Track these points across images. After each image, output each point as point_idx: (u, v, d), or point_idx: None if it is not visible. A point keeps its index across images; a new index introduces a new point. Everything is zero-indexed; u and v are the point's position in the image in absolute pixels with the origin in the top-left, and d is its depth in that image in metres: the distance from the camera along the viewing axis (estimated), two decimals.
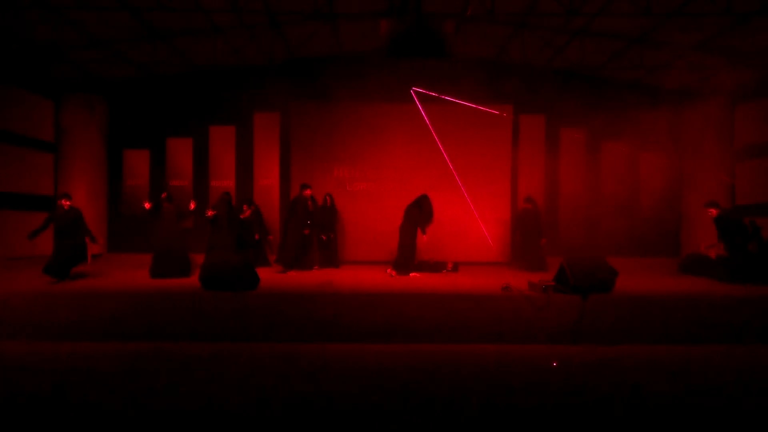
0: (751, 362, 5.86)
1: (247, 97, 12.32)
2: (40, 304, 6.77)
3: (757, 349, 6.36)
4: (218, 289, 7.03)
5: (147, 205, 8.94)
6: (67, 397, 4.50)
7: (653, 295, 7.04)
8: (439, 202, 11.59)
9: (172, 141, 12.54)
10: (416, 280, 8.81)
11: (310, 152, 12.45)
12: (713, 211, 9.17)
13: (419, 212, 9.45)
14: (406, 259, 9.37)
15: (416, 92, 11.89)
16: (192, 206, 9.33)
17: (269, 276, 8.74)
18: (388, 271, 9.48)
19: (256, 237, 10.34)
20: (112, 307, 6.76)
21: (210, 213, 9.39)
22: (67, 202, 8.24)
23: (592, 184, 12.42)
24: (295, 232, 9.84)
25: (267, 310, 6.78)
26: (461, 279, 9.00)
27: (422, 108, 12.02)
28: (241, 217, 10.25)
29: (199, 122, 12.47)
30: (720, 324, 6.72)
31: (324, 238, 10.61)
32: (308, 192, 10.19)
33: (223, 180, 12.48)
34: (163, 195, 9.11)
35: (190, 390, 4.70)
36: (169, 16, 9.59)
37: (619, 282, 7.20)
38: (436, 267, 10.11)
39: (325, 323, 6.71)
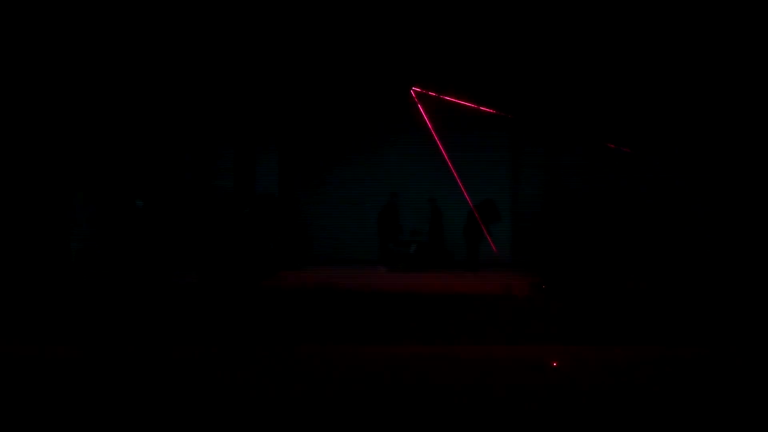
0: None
1: None
2: (36, 303, 6.78)
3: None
4: (218, 288, 7.03)
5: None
6: (58, 400, 4.49)
7: (652, 295, 7.05)
8: (439, 203, 11.65)
9: None
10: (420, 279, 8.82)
11: (310, 152, 12.44)
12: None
13: (490, 213, 10.25)
14: (476, 258, 10.11)
15: (416, 92, 11.87)
16: None
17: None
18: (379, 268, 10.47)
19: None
20: (114, 307, 6.76)
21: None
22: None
23: (592, 184, 12.37)
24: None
25: (267, 310, 6.79)
26: (461, 279, 9.01)
27: (422, 108, 12.00)
28: None
29: None
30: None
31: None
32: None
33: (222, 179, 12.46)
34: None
35: (189, 391, 4.69)
36: None
37: (618, 282, 7.21)
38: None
39: (326, 323, 6.71)
